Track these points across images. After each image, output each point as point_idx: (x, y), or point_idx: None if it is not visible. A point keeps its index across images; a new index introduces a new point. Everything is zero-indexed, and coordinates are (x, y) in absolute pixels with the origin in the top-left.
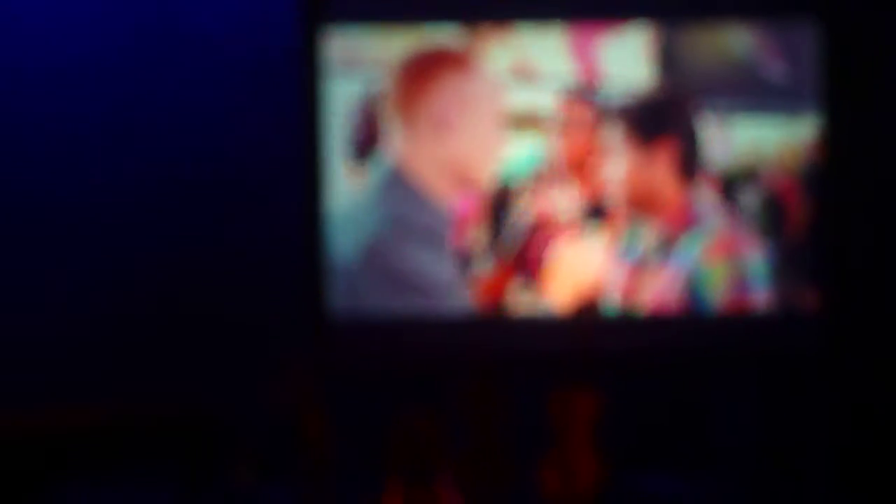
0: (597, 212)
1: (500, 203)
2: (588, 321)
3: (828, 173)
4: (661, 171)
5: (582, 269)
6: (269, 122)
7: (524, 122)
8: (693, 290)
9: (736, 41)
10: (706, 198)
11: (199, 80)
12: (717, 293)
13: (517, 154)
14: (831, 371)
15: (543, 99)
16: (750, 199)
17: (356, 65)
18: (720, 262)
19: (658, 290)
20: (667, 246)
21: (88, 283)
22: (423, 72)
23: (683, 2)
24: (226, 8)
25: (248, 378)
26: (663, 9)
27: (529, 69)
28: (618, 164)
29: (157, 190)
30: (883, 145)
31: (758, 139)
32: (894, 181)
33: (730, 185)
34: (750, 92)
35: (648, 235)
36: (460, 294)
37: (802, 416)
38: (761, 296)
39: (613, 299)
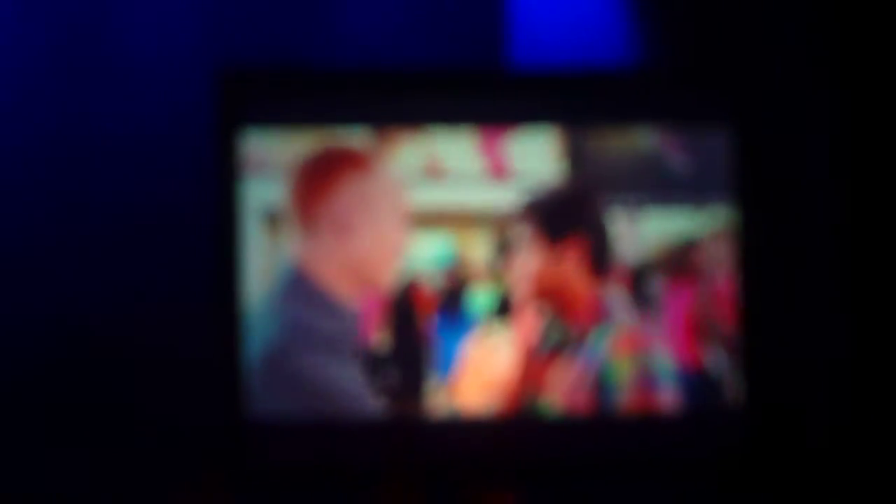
0: (504, 308)
1: (404, 303)
2: (501, 424)
3: (739, 262)
4: (570, 269)
5: (492, 367)
6: (183, 221)
7: (434, 219)
8: (601, 387)
9: (642, 139)
10: (615, 293)
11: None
12: (624, 390)
13: (426, 252)
14: (752, 473)
15: (453, 196)
16: (659, 291)
17: (268, 167)
18: (626, 357)
19: (568, 387)
20: (576, 342)
21: None
22: (321, 172)
23: (590, 108)
24: (136, 107)
25: (160, 489)
26: (570, 113)
27: (439, 167)
28: (527, 262)
29: (64, 291)
30: (794, 234)
31: (667, 231)
32: (806, 266)
33: (639, 279)
34: (657, 185)
35: (558, 331)
36: (369, 399)
37: None
38: (669, 394)
39: (528, 398)
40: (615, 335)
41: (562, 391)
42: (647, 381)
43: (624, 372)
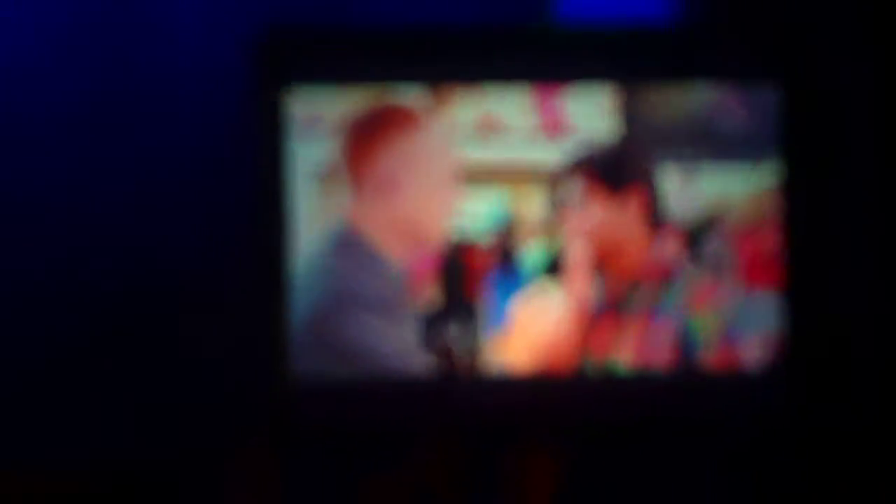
0: (558, 266)
1: (457, 262)
2: (555, 382)
3: (787, 218)
4: (628, 223)
5: (546, 325)
6: (232, 181)
7: (487, 176)
8: (681, 344)
9: (694, 95)
10: (675, 248)
11: (156, 147)
12: (706, 346)
13: (479, 210)
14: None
15: (507, 153)
16: (715, 249)
17: (318, 125)
18: (705, 312)
19: (640, 344)
20: (640, 298)
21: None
22: (371, 130)
23: (642, 64)
24: (184, 64)
25: (201, 445)
26: (623, 70)
27: (493, 124)
28: (584, 217)
29: (107, 259)
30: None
31: (720, 188)
32: (853, 223)
33: (696, 235)
34: (711, 143)
35: (619, 287)
36: (418, 359)
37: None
38: (749, 350)
39: (588, 356)
40: (687, 291)
41: (632, 349)
42: (728, 336)
43: (705, 327)
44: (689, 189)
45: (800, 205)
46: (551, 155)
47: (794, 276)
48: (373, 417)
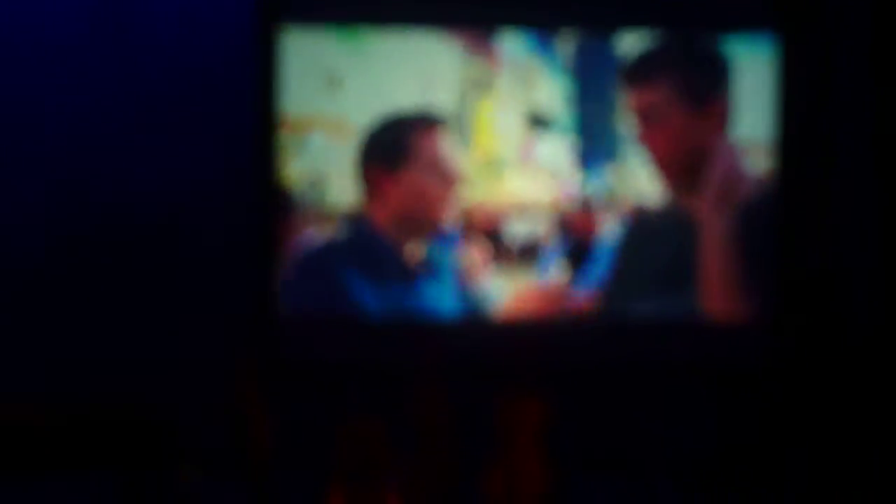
0: None
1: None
2: (543, 327)
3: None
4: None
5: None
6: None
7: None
8: None
9: None
10: None
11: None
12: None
13: None
14: (783, 378)
15: None
16: None
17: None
18: None
19: None
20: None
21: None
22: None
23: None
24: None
25: (193, 378)
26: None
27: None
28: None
29: (118, 200)
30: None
31: None
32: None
33: None
34: None
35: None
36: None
37: (751, 423)
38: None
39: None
40: None
41: None
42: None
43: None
44: None
45: (791, 159)
46: None
47: (787, 232)
48: (355, 354)
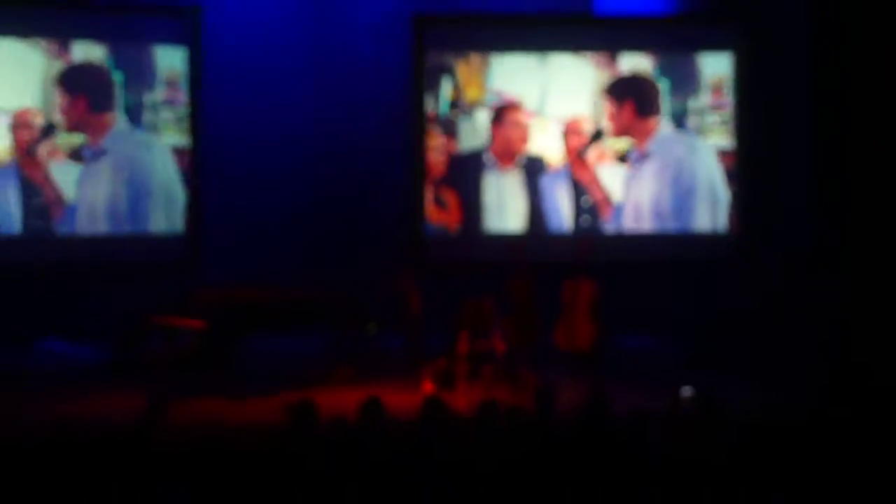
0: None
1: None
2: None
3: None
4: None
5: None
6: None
7: None
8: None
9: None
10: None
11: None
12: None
13: None
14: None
15: None
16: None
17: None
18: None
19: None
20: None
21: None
22: None
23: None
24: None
25: (375, 273)
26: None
27: None
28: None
29: (327, 166)
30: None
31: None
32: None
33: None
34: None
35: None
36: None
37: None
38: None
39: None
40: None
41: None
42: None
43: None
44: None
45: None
46: None
47: (745, 161)
48: (479, 257)
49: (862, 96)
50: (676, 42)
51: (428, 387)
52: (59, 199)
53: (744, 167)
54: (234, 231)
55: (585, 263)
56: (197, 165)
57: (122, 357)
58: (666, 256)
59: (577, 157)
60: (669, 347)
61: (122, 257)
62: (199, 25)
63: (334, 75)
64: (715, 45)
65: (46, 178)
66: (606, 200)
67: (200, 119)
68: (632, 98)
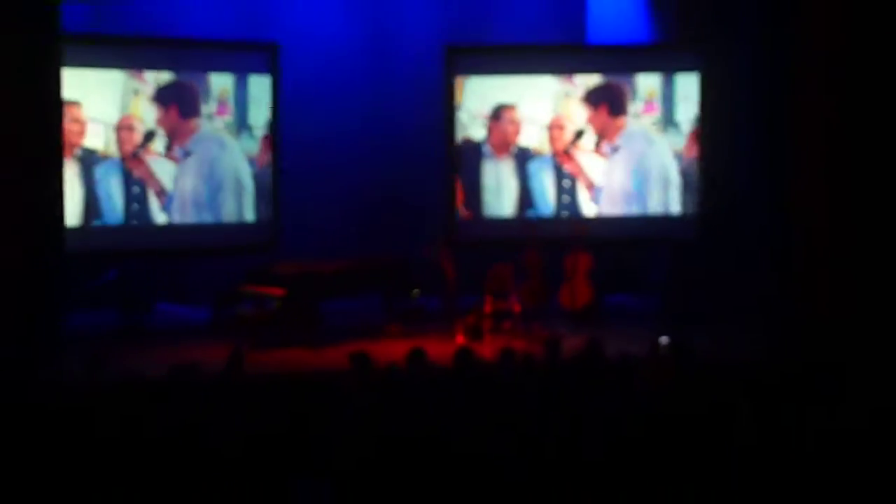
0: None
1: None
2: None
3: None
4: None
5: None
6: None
7: None
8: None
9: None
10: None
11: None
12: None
13: None
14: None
15: None
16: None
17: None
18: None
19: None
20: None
21: (354, 206)
22: None
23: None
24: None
25: (419, 244)
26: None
27: None
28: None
29: (384, 146)
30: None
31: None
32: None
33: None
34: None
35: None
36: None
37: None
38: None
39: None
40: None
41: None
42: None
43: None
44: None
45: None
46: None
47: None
48: (500, 235)
49: (799, 104)
50: (653, 65)
51: (460, 339)
52: (162, 191)
53: (706, 164)
54: (305, 217)
55: (582, 240)
56: (277, 168)
57: (220, 318)
58: (643, 233)
59: (563, 152)
60: (649, 305)
61: (219, 239)
62: (277, 58)
63: (384, 93)
64: (684, 67)
65: (151, 174)
66: (591, 185)
67: (280, 132)
68: (605, 102)
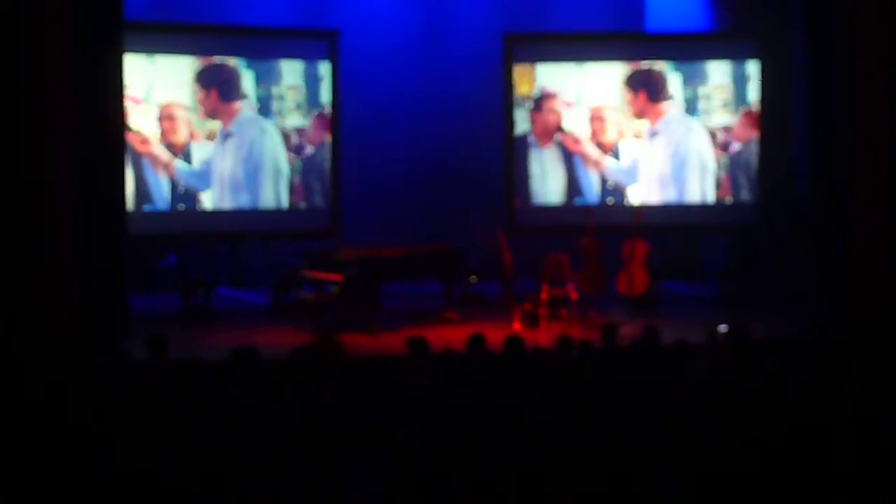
0: None
1: None
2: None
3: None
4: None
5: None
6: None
7: None
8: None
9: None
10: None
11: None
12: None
13: None
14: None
15: None
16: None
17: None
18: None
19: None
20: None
21: (412, 194)
22: None
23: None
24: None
25: (474, 231)
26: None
27: None
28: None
29: (439, 135)
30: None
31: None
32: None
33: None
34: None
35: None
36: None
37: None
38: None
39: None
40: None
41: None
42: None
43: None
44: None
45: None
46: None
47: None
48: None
49: (850, 93)
50: (711, 53)
51: (517, 325)
52: (202, 173)
53: (764, 150)
54: (365, 204)
55: (639, 228)
56: (337, 155)
57: (279, 302)
58: (701, 220)
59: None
60: (704, 291)
61: (280, 226)
62: (336, 45)
63: (441, 79)
64: (743, 55)
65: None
66: (629, 171)
67: (340, 118)
68: (644, 88)
